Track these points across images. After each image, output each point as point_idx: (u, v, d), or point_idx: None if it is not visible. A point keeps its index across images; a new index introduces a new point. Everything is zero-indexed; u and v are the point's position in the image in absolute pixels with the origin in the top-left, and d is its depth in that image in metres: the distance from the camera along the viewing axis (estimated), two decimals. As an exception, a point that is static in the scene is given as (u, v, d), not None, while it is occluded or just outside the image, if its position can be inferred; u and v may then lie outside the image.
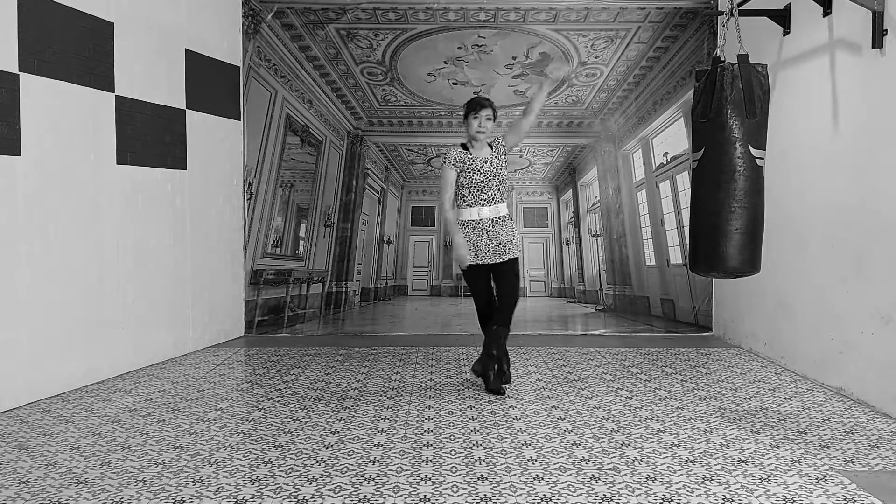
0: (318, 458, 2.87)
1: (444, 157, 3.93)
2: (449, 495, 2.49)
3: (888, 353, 3.45)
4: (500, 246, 3.85)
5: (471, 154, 3.89)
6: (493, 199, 3.86)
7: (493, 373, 3.92)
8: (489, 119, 3.86)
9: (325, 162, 6.03)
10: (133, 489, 2.56)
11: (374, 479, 2.65)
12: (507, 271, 3.90)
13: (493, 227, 3.85)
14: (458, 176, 3.86)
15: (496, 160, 3.91)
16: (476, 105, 3.87)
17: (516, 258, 3.92)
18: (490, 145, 3.97)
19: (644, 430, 3.24)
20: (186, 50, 4.91)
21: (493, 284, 3.98)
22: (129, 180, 4.40)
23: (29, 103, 3.68)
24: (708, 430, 3.23)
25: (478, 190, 3.84)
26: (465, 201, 3.88)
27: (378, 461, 2.83)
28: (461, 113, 4.05)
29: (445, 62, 5.96)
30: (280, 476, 2.68)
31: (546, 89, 3.93)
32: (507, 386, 3.97)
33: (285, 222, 5.97)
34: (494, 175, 3.87)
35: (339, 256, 6.10)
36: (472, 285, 3.97)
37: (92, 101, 4.10)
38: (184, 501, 2.45)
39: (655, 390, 3.96)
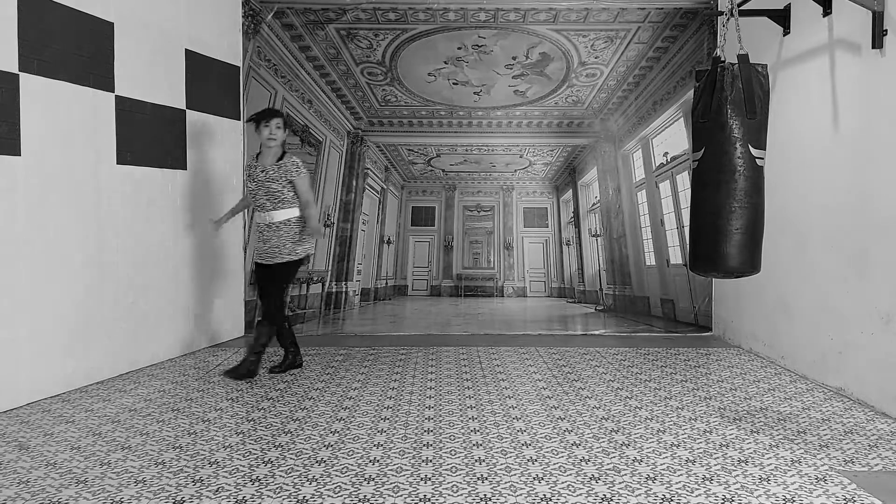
0: (318, 458, 2.87)
1: None
2: (449, 495, 2.49)
3: (888, 353, 3.45)
4: (271, 249, 4.20)
5: (256, 162, 4.26)
6: (262, 206, 4.22)
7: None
8: (279, 128, 4.18)
9: (325, 162, 6.04)
10: (133, 489, 2.56)
11: (373, 479, 2.65)
12: (273, 273, 4.24)
13: (269, 231, 4.21)
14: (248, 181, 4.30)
15: (272, 173, 4.19)
16: (267, 114, 4.19)
17: (284, 263, 4.20)
18: (281, 158, 4.21)
19: (644, 430, 3.24)
20: (186, 50, 4.91)
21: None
22: (129, 180, 4.40)
23: (29, 103, 3.68)
24: (708, 430, 3.23)
25: (254, 196, 4.25)
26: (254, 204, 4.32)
27: (378, 461, 2.83)
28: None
29: (445, 62, 5.96)
30: (280, 476, 2.68)
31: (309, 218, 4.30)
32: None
33: (285, 222, 5.96)
34: (261, 185, 4.19)
35: (339, 256, 6.10)
36: (259, 284, 4.36)
37: (92, 101, 4.10)
38: (184, 501, 2.45)
39: (655, 390, 3.96)
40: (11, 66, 3.59)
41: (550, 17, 5.83)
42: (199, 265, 5.08)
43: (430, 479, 2.64)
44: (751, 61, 3.18)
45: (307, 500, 2.45)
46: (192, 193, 4.97)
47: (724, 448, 2.98)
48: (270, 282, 4.25)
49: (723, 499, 2.46)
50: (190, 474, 2.70)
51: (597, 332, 5.91)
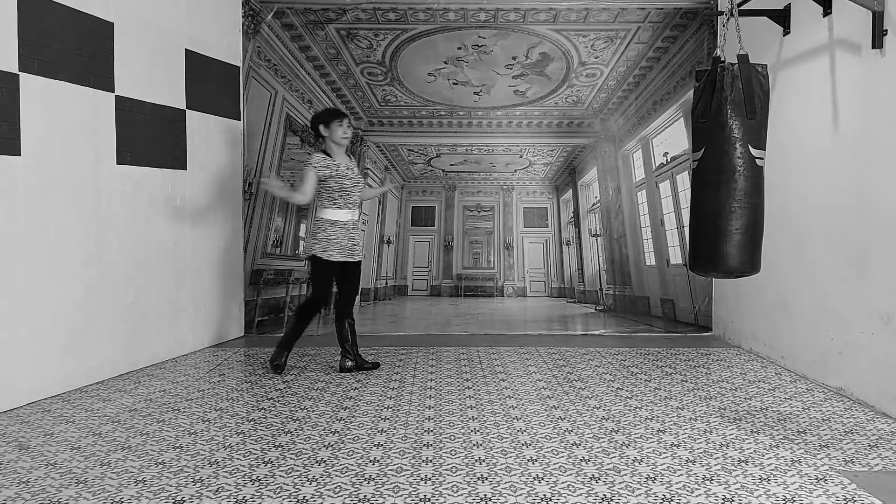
0: (318, 458, 2.87)
1: (308, 161, 4.23)
2: (449, 495, 2.49)
3: (888, 353, 3.45)
4: (355, 247, 4.32)
5: (335, 161, 4.24)
6: (355, 203, 4.32)
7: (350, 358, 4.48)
8: (350, 126, 4.30)
9: (325, 162, 6.03)
10: (133, 489, 2.56)
11: (374, 479, 2.65)
12: (357, 270, 4.43)
13: (354, 229, 4.33)
14: (327, 180, 4.20)
15: (356, 171, 4.36)
16: (339, 113, 4.29)
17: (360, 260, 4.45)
18: (349, 156, 4.40)
19: (644, 430, 3.24)
20: (186, 50, 4.91)
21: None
22: (129, 180, 4.40)
23: (29, 103, 3.68)
24: (708, 430, 3.24)
25: (346, 193, 4.24)
26: (334, 203, 4.24)
27: (378, 461, 2.83)
28: (344, 122, 4.31)
29: (445, 62, 5.96)
30: (280, 476, 2.68)
31: (377, 193, 4.82)
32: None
33: (285, 222, 5.97)
34: (357, 183, 4.31)
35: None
36: (321, 277, 4.30)
37: (92, 101, 4.10)
38: (184, 501, 2.45)
39: (655, 390, 3.96)
40: (11, 66, 3.59)
41: (550, 17, 5.83)
42: (199, 265, 5.08)
43: (430, 479, 2.64)
44: (751, 61, 3.18)
45: (307, 500, 2.45)
46: (192, 194, 4.97)
47: (724, 448, 2.98)
48: (348, 279, 4.38)
49: (723, 499, 2.46)
50: (190, 474, 2.70)
51: (597, 332, 5.91)
